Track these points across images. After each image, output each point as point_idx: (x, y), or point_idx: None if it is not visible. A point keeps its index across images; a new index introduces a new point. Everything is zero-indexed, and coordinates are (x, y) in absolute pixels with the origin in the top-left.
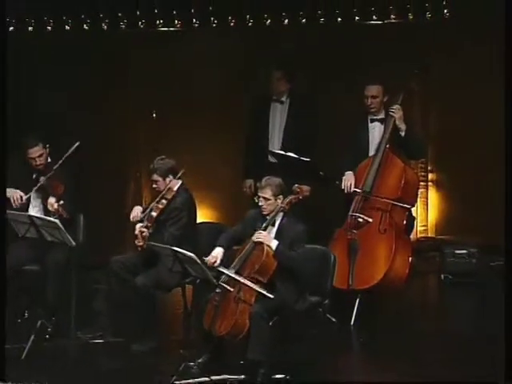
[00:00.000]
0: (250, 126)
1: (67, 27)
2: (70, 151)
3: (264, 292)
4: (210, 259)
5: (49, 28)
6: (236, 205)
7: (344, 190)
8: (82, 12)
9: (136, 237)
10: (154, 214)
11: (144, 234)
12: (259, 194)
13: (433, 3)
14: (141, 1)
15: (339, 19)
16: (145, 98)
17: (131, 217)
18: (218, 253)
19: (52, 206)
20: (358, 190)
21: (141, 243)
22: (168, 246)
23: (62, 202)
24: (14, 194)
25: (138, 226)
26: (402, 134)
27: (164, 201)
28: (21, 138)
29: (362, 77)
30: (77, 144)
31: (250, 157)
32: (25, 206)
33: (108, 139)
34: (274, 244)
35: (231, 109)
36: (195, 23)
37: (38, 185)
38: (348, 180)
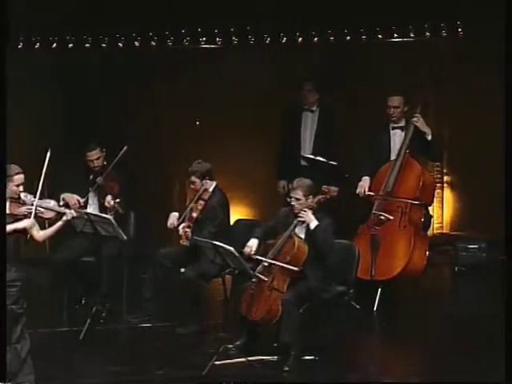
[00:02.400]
0: (284, 132)
1: (120, 44)
2: (120, 154)
3: (291, 267)
4: (246, 249)
5: (104, 45)
6: (271, 204)
7: (359, 194)
8: (133, 30)
9: (181, 237)
10: (194, 214)
11: (187, 233)
12: (291, 194)
13: (447, 23)
14: (186, 20)
15: (364, 37)
16: (189, 108)
17: (168, 223)
18: (252, 243)
19: (109, 203)
20: (373, 194)
21: (185, 243)
22: (210, 241)
23: (118, 200)
24: (72, 199)
25: (181, 226)
26: (429, 137)
27: (202, 201)
28: (79, 142)
29: (385, 88)
30: (125, 148)
31: (283, 160)
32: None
33: (157, 145)
34: (313, 224)
35: (267, 117)
36: (234, 40)
37: (96, 185)
38: (363, 186)
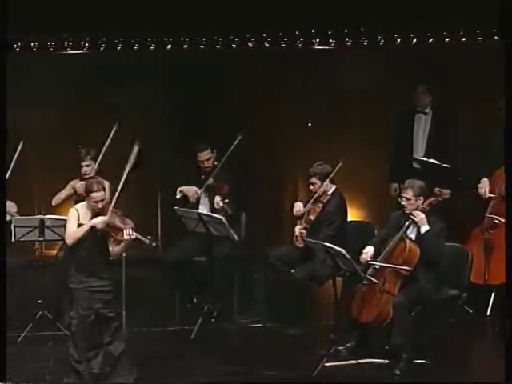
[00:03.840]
0: (397, 135)
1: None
2: (235, 144)
3: (403, 267)
4: (362, 256)
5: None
6: (382, 206)
7: (480, 195)
8: (248, 31)
9: (296, 238)
10: (311, 217)
11: (303, 235)
12: (402, 194)
13: None
14: (299, 22)
15: (480, 38)
16: (301, 109)
17: (294, 211)
18: (369, 250)
19: (218, 204)
20: (493, 196)
21: (301, 245)
22: (320, 242)
23: (226, 200)
24: (190, 190)
25: (298, 228)
26: None
27: (320, 204)
28: (191, 144)
29: (496, 89)
30: (239, 138)
31: (396, 162)
32: (195, 204)
33: (269, 146)
34: (424, 228)
35: (380, 119)
36: (348, 42)
37: (206, 185)
38: (484, 187)
